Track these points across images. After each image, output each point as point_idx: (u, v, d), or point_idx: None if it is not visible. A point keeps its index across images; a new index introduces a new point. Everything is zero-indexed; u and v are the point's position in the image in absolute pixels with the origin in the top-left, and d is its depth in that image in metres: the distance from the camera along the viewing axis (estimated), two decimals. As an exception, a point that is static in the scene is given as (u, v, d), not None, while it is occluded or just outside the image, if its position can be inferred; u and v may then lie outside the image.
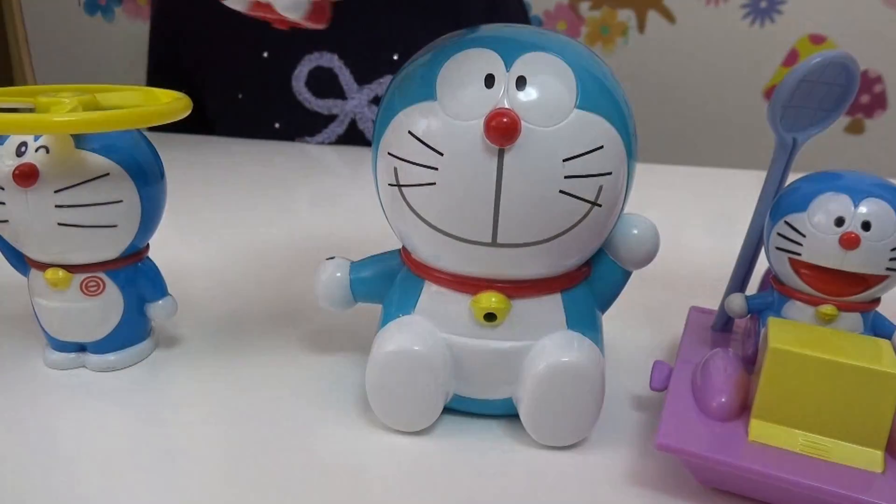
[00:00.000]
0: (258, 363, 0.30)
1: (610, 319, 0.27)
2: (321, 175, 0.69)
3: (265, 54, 0.80)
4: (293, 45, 0.80)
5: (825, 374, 0.21)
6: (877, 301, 0.25)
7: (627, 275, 0.26)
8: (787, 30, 1.30)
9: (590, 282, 0.26)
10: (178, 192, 0.63)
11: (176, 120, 0.27)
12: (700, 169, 0.76)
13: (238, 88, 0.82)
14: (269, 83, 0.82)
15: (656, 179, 0.72)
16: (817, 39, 1.30)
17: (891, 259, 0.23)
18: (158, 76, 0.91)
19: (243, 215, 0.54)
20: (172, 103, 0.26)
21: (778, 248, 0.25)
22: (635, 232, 0.25)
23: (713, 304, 0.31)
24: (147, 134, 0.29)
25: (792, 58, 1.31)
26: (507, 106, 0.21)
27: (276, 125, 0.81)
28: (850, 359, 0.21)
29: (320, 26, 0.23)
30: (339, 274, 0.27)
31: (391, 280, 0.27)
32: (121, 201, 0.26)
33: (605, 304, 0.27)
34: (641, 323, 0.36)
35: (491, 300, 0.24)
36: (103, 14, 1.45)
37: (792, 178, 0.27)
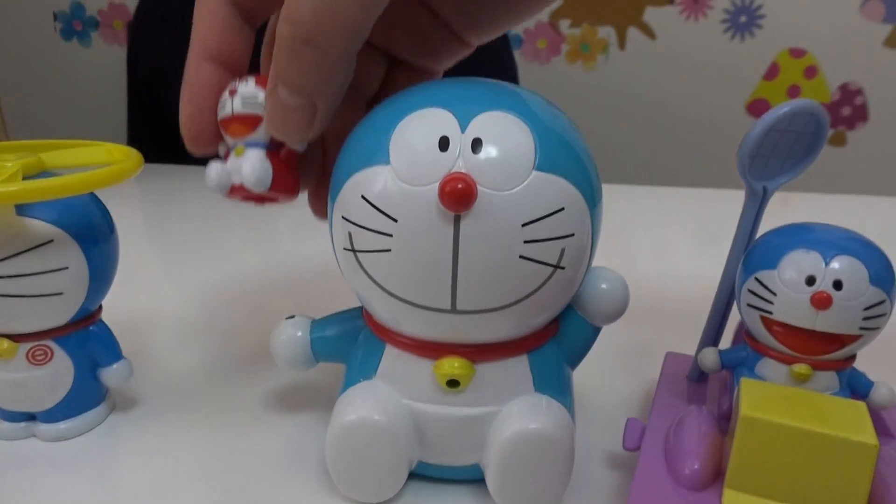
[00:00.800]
0: (219, 425, 0.29)
1: (581, 367, 0.26)
2: (300, 207, 0.68)
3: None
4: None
5: (800, 443, 0.21)
6: (853, 358, 0.24)
7: (597, 330, 0.25)
8: (768, 44, 1.31)
9: (558, 339, 0.25)
10: (139, 227, 0.63)
11: (128, 179, 0.26)
12: (680, 189, 0.76)
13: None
14: None
15: (636, 200, 0.71)
16: (797, 53, 1.31)
17: (864, 318, 0.23)
18: (136, 100, 0.90)
19: (213, 252, 0.53)
20: (121, 166, 0.25)
21: (749, 305, 0.25)
22: (604, 286, 0.24)
23: (694, 339, 0.30)
24: None
25: (773, 72, 1.32)
26: (462, 170, 0.20)
27: None
28: (826, 428, 0.21)
29: (293, 198, 0.25)
30: (299, 333, 0.27)
31: (354, 339, 0.26)
32: (66, 268, 0.25)
33: (575, 361, 0.26)
34: (615, 370, 0.35)
35: (454, 365, 0.23)
36: (79, 39, 1.44)
37: (775, 198, 0.26)
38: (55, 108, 1.45)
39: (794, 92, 1.31)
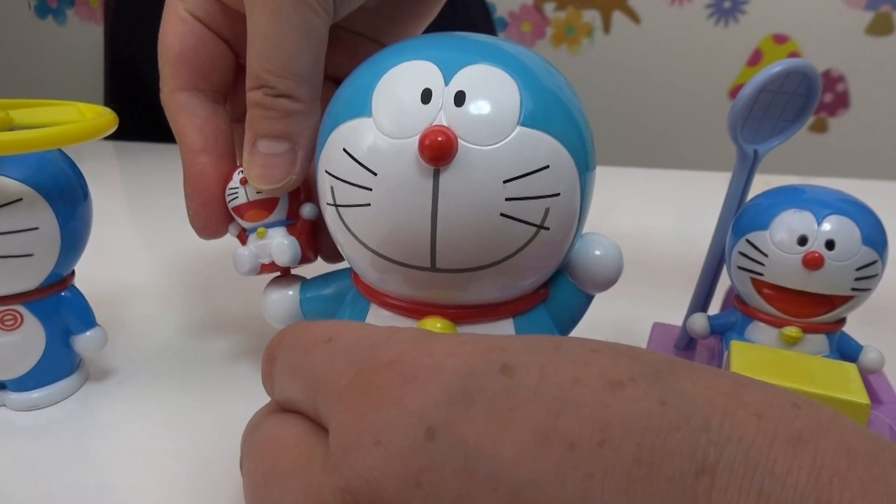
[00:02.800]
0: (196, 396, 0.28)
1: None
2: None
3: None
4: None
5: (790, 403, 0.20)
6: (842, 321, 0.24)
7: (590, 298, 0.24)
8: (751, 30, 1.31)
9: (548, 305, 0.24)
10: (119, 205, 0.62)
11: (100, 137, 0.25)
12: (666, 171, 0.76)
13: None
14: None
15: (621, 182, 0.71)
16: (780, 39, 1.31)
17: (856, 279, 0.22)
18: (115, 79, 0.89)
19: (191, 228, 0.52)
20: (92, 122, 0.24)
21: (739, 268, 0.24)
22: (598, 253, 0.23)
23: (680, 314, 0.30)
24: (94, 145, 0.27)
25: (756, 58, 1.32)
26: (443, 123, 0.19)
27: None
28: (817, 387, 0.20)
29: (313, 262, 0.27)
30: (290, 292, 0.26)
31: (342, 299, 0.25)
32: (36, 228, 0.24)
33: (567, 329, 0.25)
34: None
35: (436, 326, 0.22)
36: (55, 17, 1.41)
37: (756, 182, 0.26)
38: (29, 86, 1.42)
39: (776, 78, 1.31)
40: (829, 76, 1.32)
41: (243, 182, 0.25)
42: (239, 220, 0.26)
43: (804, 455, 0.12)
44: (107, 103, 0.91)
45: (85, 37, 1.35)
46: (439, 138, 0.19)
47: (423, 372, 0.14)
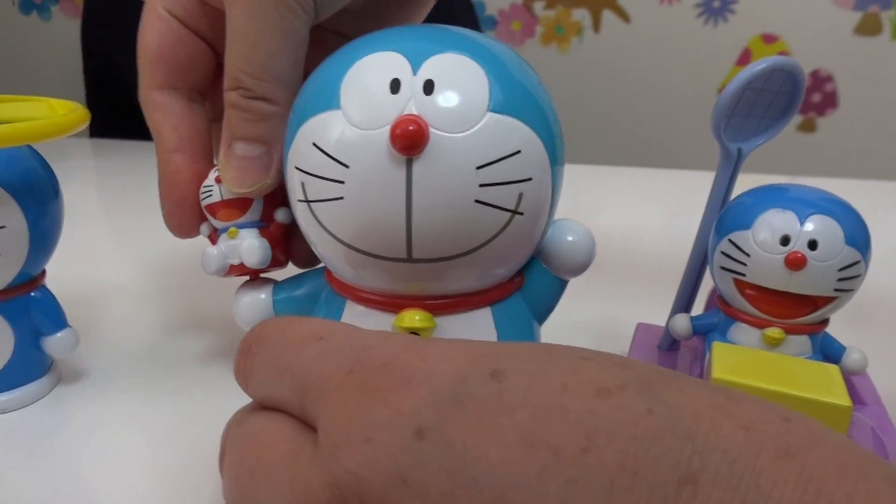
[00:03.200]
0: (170, 398, 0.28)
1: (552, 339, 0.25)
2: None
3: None
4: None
5: (772, 406, 0.20)
6: (825, 322, 0.24)
7: (563, 283, 0.24)
8: (740, 29, 1.32)
9: (523, 293, 0.24)
10: (95, 203, 0.61)
11: (72, 133, 0.24)
12: (655, 170, 0.76)
13: None
14: None
15: (610, 181, 0.71)
16: (769, 39, 1.32)
17: (839, 279, 0.22)
18: (91, 74, 0.88)
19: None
20: (61, 118, 0.23)
21: (722, 268, 0.24)
22: (570, 238, 0.23)
23: (664, 314, 0.29)
24: (71, 142, 0.26)
25: (745, 57, 1.33)
26: (414, 112, 0.19)
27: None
28: (799, 389, 0.20)
29: (283, 267, 0.26)
30: (262, 296, 0.25)
31: (316, 299, 0.25)
32: (3, 227, 0.23)
33: (542, 316, 0.25)
34: (586, 342, 0.34)
35: (414, 318, 0.22)
36: (39, 13, 1.39)
37: (740, 179, 0.26)
38: (13, 83, 1.40)
39: (765, 78, 1.31)
40: (817, 76, 1.32)
41: (218, 181, 0.24)
42: (211, 220, 0.25)
43: (790, 469, 0.11)
44: (88, 100, 0.90)
45: (69, 33, 1.33)
46: (410, 127, 0.18)
47: (416, 375, 0.14)
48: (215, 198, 0.24)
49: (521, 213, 0.20)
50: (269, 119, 0.23)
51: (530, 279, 0.24)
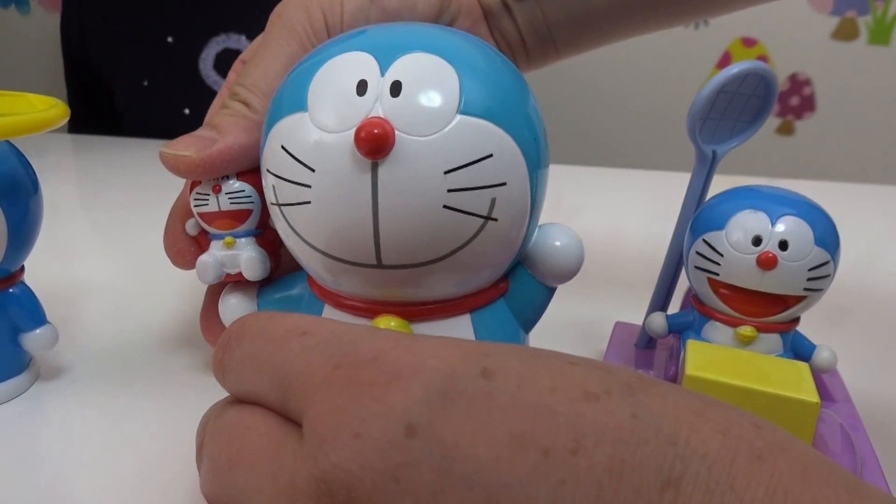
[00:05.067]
0: (150, 396, 0.28)
1: (531, 337, 0.26)
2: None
3: (169, 39, 0.78)
4: (198, 27, 0.79)
5: (743, 402, 0.20)
6: (796, 321, 0.24)
7: (551, 291, 0.24)
8: (720, 33, 1.33)
9: (507, 300, 0.23)
10: (75, 200, 0.60)
11: (52, 129, 0.24)
12: (634, 171, 0.76)
13: (144, 75, 0.80)
14: (175, 68, 0.80)
15: (588, 182, 0.71)
16: (749, 42, 1.33)
17: (808, 279, 0.23)
18: (70, 69, 0.87)
19: (150, 222, 0.51)
20: (40, 114, 0.23)
21: (696, 267, 0.24)
22: (557, 244, 0.22)
23: (642, 313, 0.30)
24: (52, 138, 0.26)
25: (725, 60, 1.34)
26: (380, 114, 0.19)
27: (186, 111, 0.79)
28: (769, 386, 0.21)
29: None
30: (248, 296, 0.25)
31: (299, 303, 0.25)
32: (-19, 222, 0.23)
33: (529, 324, 0.24)
34: (564, 341, 0.34)
35: (389, 325, 0.22)
36: (17, 6, 1.37)
37: (719, 181, 0.26)
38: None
39: (745, 81, 1.33)
40: (795, 79, 1.34)
41: (216, 190, 0.23)
42: (205, 226, 0.24)
43: (763, 473, 0.12)
44: (68, 96, 0.89)
45: (49, 27, 1.31)
46: (375, 130, 0.18)
47: (405, 371, 0.14)
48: (212, 208, 0.24)
49: (495, 220, 0.20)
50: (234, 115, 0.23)
51: (515, 286, 0.23)
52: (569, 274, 0.23)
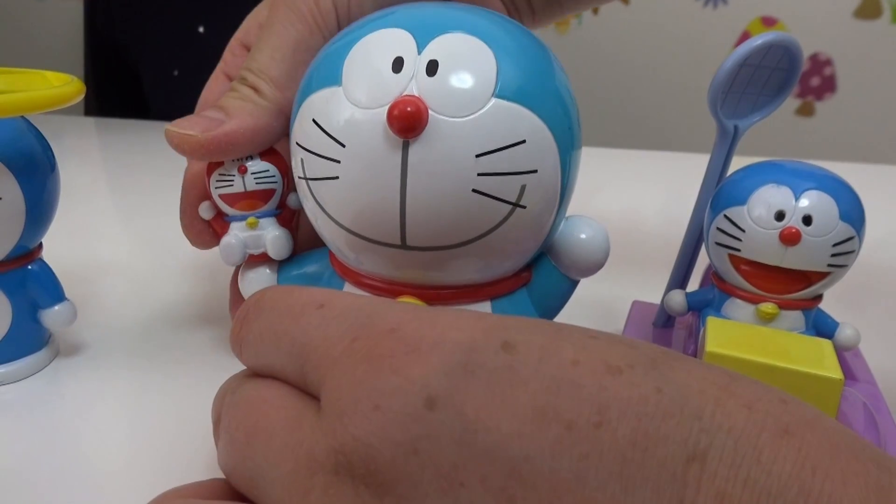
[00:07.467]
0: (168, 372, 0.28)
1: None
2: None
3: (200, 29, 0.78)
4: (230, 18, 0.79)
5: (764, 378, 0.20)
6: (819, 298, 0.24)
7: (574, 283, 0.23)
8: (739, 12, 1.31)
9: (529, 289, 0.23)
10: (97, 181, 0.61)
11: (67, 105, 0.24)
12: (652, 153, 0.75)
13: (173, 65, 0.80)
14: (205, 59, 0.80)
15: (608, 163, 0.71)
16: (769, 21, 1.31)
17: (832, 255, 0.22)
18: (95, 55, 0.88)
19: (170, 204, 0.51)
20: (56, 90, 0.23)
21: (717, 244, 0.24)
22: (583, 236, 0.22)
23: (660, 293, 0.29)
24: (74, 121, 0.26)
25: (744, 40, 1.32)
26: (414, 93, 0.18)
27: None
28: (791, 362, 0.20)
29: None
30: (268, 271, 0.25)
31: (319, 279, 0.25)
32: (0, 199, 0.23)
33: (549, 315, 0.24)
34: (581, 319, 0.33)
35: None
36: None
37: (738, 162, 0.26)
38: (6, 61, 1.39)
39: (764, 61, 1.31)
40: (816, 59, 1.32)
41: (241, 170, 0.23)
42: (225, 208, 0.24)
43: (790, 447, 0.12)
44: (87, 79, 0.90)
45: (65, 11, 1.32)
46: (408, 108, 0.18)
47: (424, 343, 0.14)
48: (237, 188, 0.23)
49: (524, 207, 0.20)
50: (243, 99, 0.23)
51: (537, 276, 0.23)
52: (594, 267, 0.23)
